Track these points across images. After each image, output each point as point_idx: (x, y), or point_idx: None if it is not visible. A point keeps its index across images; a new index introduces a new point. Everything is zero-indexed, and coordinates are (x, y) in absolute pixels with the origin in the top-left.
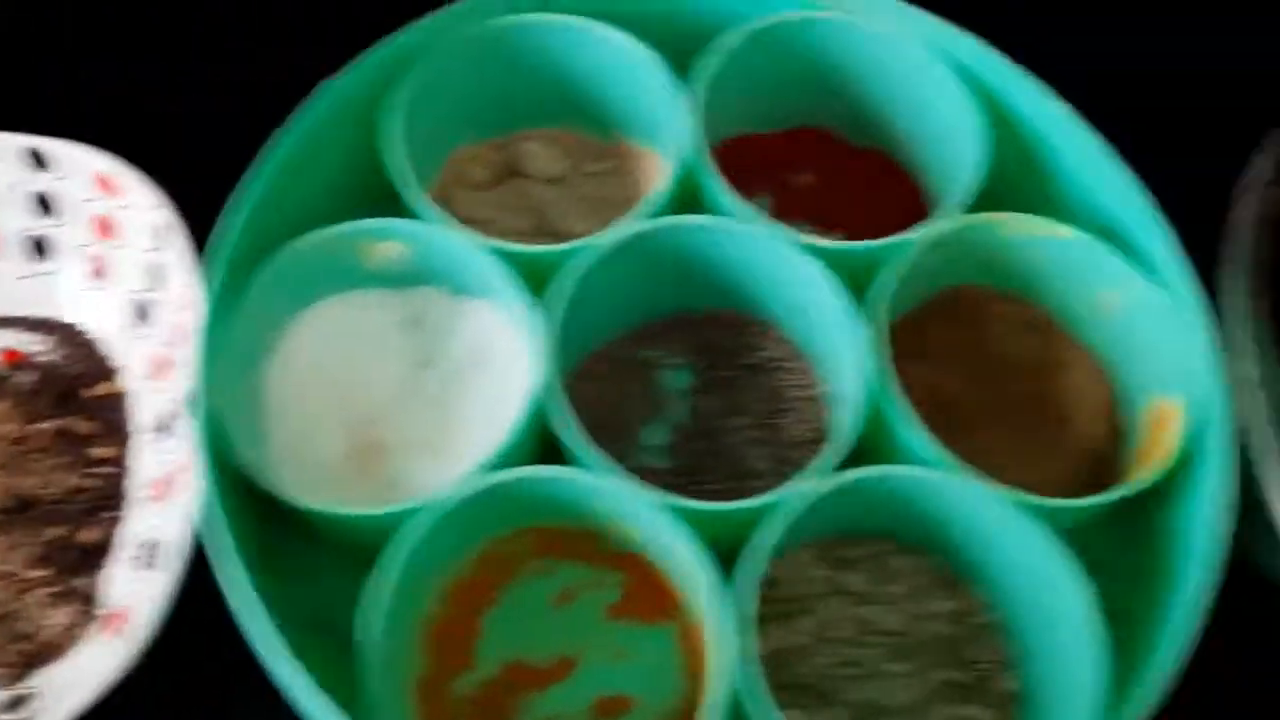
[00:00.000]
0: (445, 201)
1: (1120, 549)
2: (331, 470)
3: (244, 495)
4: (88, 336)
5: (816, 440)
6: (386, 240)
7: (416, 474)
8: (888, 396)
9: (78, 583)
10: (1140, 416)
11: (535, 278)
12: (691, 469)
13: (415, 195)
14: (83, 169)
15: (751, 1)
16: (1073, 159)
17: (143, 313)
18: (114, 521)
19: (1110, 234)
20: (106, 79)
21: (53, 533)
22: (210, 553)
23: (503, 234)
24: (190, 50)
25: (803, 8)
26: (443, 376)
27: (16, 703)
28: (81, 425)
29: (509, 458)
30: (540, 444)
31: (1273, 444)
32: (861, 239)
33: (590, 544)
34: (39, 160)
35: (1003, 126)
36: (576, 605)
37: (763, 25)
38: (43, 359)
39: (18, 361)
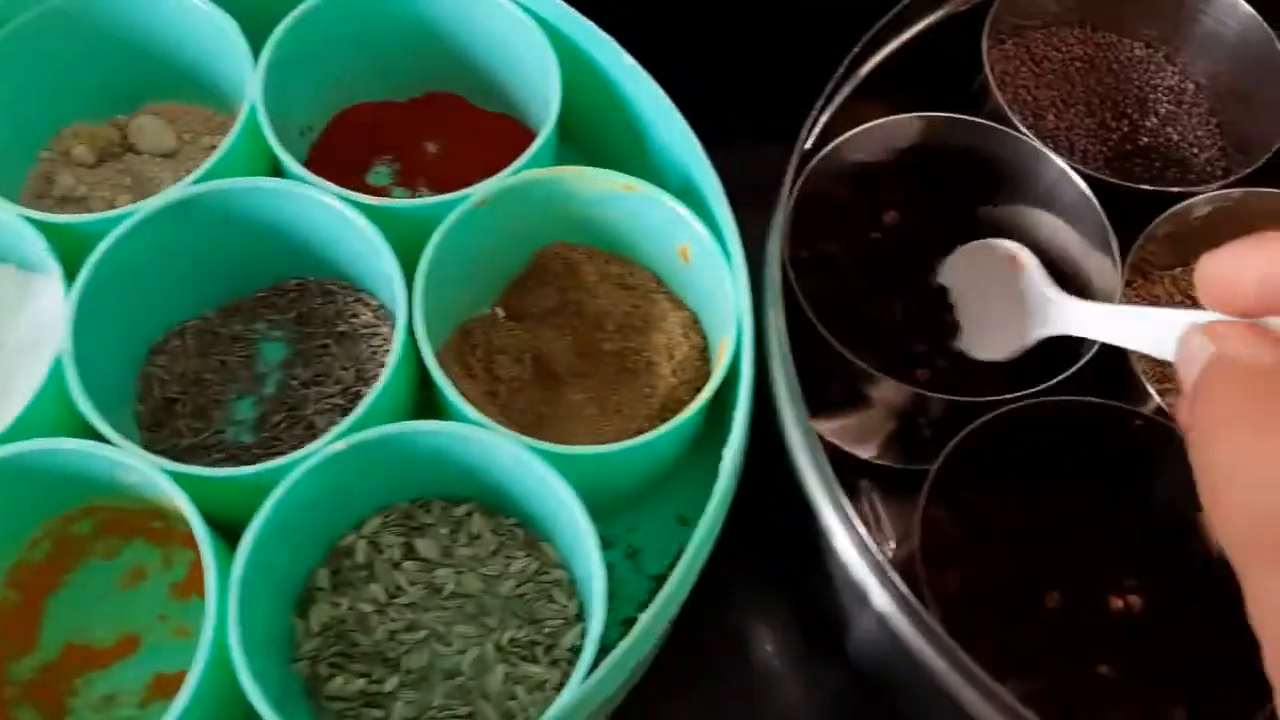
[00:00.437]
0: (46, 180)
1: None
2: None
3: None
4: None
5: None
6: None
7: None
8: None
9: None
10: (713, 363)
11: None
12: (271, 442)
13: None
14: None
15: None
16: (649, 117)
17: None
18: None
19: (684, 190)
20: None
21: None
22: None
23: (102, 209)
24: None
25: None
26: (9, 354)
27: None
28: None
29: (28, 430)
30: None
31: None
32: None
33: (159, 522)
34: None
35: (585, 84)
36: (144, 585)
37: None
38: None
39: None
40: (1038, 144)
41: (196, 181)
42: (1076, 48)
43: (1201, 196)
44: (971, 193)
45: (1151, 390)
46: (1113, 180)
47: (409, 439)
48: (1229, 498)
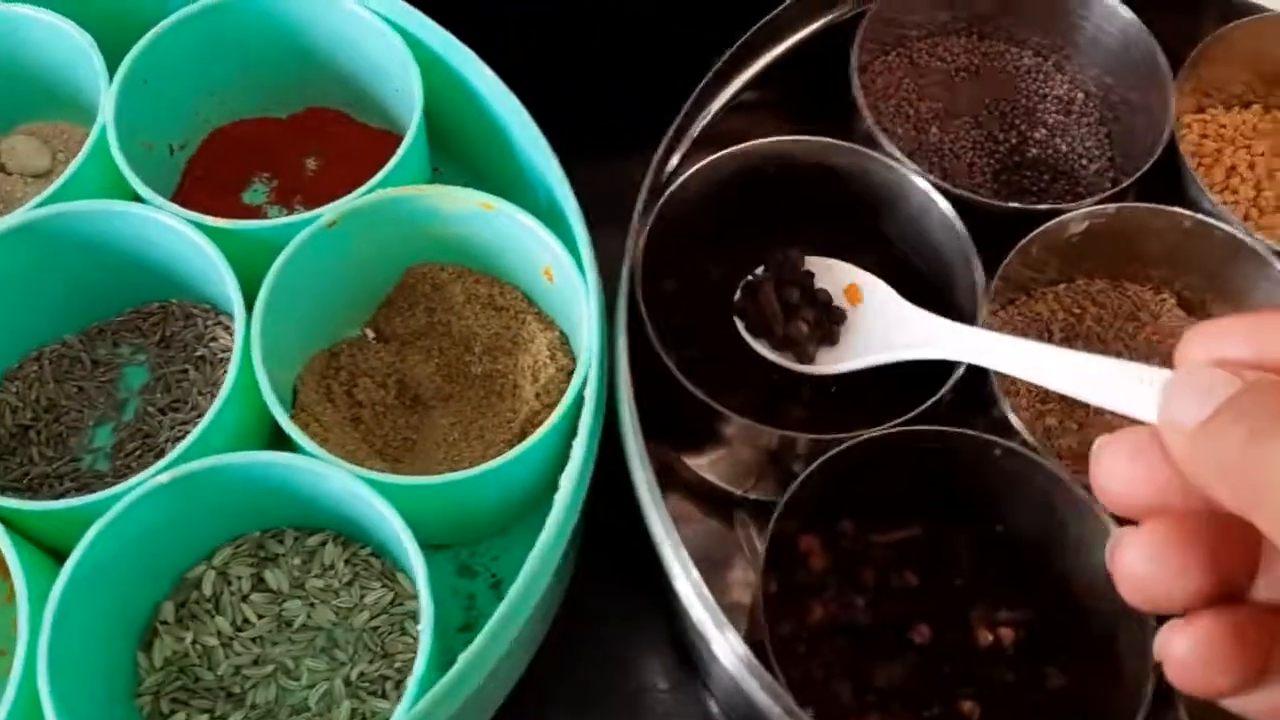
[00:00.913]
0: None
1: None
2: None
3: None
4: None
5: None
6: None
7: None
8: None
9: None
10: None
11: None
12: (125, 470)
13: None
14: None
15: None
16: (514, 134)
17: None
18: None
19: (549, 208)
20: None
21: None
22: None
23: None
24: None
25: None
26: None
27: None
28: None
29: None
30: None
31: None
32: None
33: None
34: None
35: (455, 99)
36: None
37: (194, 10)
38: None
39: None
40: (903, 164)
41: (43, 204)
42: (962, 57)
43: (1078, 212)
44: (839, 216)
45: (1011, 417)
46: (981, 200)
47: (240, 470)
48: None
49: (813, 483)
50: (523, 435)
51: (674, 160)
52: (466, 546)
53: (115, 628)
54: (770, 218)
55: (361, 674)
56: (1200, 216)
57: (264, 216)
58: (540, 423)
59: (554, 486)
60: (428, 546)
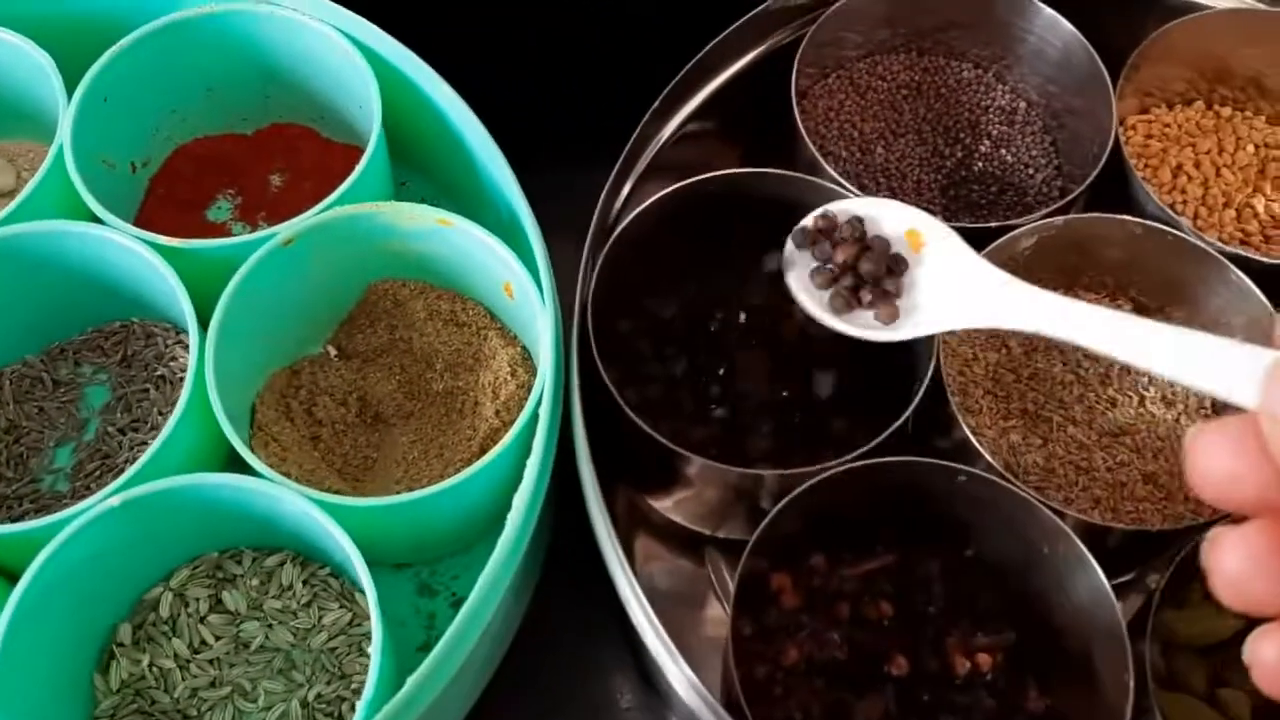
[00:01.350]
0: None
1: None
2: None
3: None
4: None
5: None
6: None
7: None
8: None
9: None
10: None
11: None
12: (84, 491)
13: None
14: None
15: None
16: (474, 149)
17: None
18: None
19: (510, 224)
20: None
21: None
22: None
23: None
24: None
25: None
26: None
27: None
28: None
29: None
30: None
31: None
32: None
33: None
34: None
35: (418, 115)
36: None
37: (159, 25)
38: None
39: None
40: (846, 190)
41: (1, 224)
42: (902, 75)
43: (1026, 227)
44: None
45: (973, 439)
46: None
47: (194, 492)
48: None
49: (780, 521)
50: (483, 453)
51: (623, 193)
52: (427, 565)
53: (70, 650)
54: (721, 250)
55: (319, 695)
56: (1148, 222)
57: (228, 234)
58: (500, 440)
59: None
60: (388, 565)
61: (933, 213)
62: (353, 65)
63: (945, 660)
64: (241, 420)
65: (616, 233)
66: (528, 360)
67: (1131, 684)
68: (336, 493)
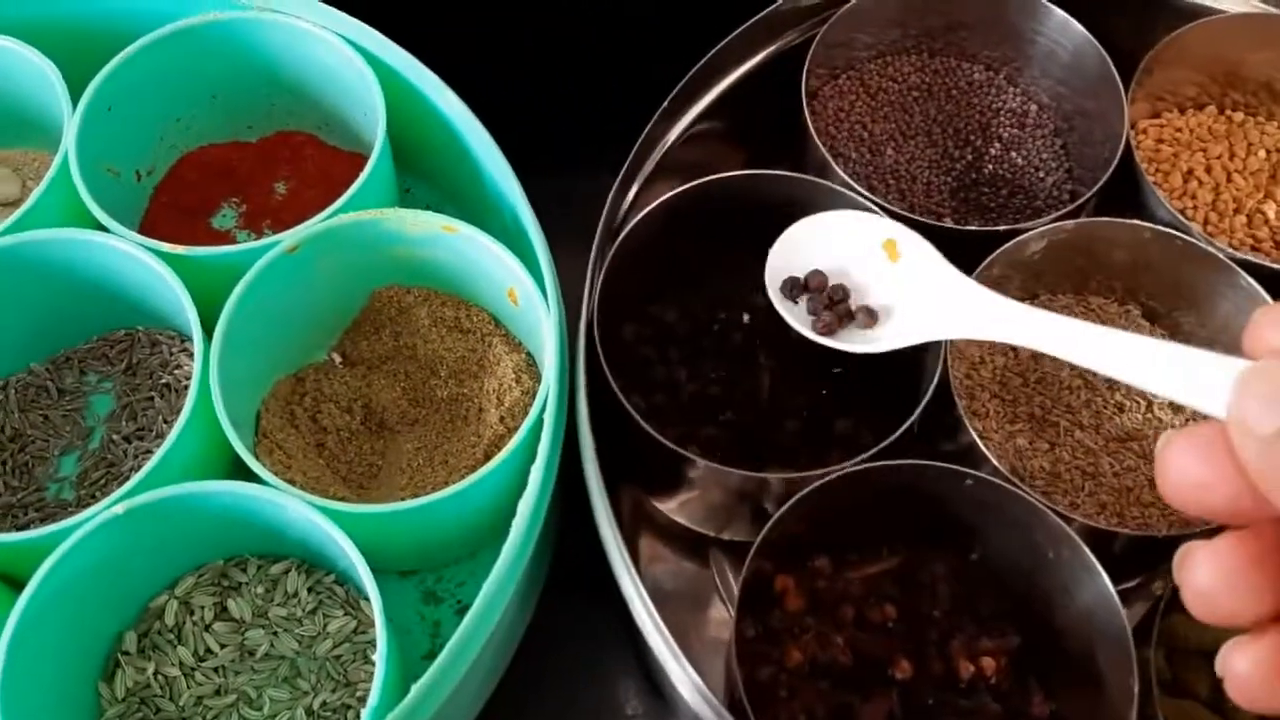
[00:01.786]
0: None
1: None
2: None
3: None
4: None
5: None
6: None
7: None
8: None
9: None
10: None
11: None
12: (89, 499)
13: None
14: None
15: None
16: (479, 156)
17: None
18: None
19: (515, 230)
20: None
21: None
22: None
23: None
24: None
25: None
26: None
27: None
28: None
29: None
30: None
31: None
32: None
33: None
34: None
35: (424, 123)
36: None
37: (180, 28)
38: None
39: None
40: (856, 191)
41: (5, 232)
42: (913, 76)
43: (1036, 231)
44: None
45: (980, 443)
46: (939, 224)
47: (198, 500)
48: None
49: (785, 523)
50: (487, 459)
51: (630, 195)
52: (432, 573)
53: (76, 658)
54: (728, 253)
55: (324, 703)
56: (1158, 227)
57: (233, 241)
58: (505, 447)
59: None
60: (393, 573)
61: (942, 215)
62: (357, 72)
63: (949, 664)
64: (246, 428)
65: (623, 235)
66: (532, 366)
67: (1136, 689)
68: (341, 500)
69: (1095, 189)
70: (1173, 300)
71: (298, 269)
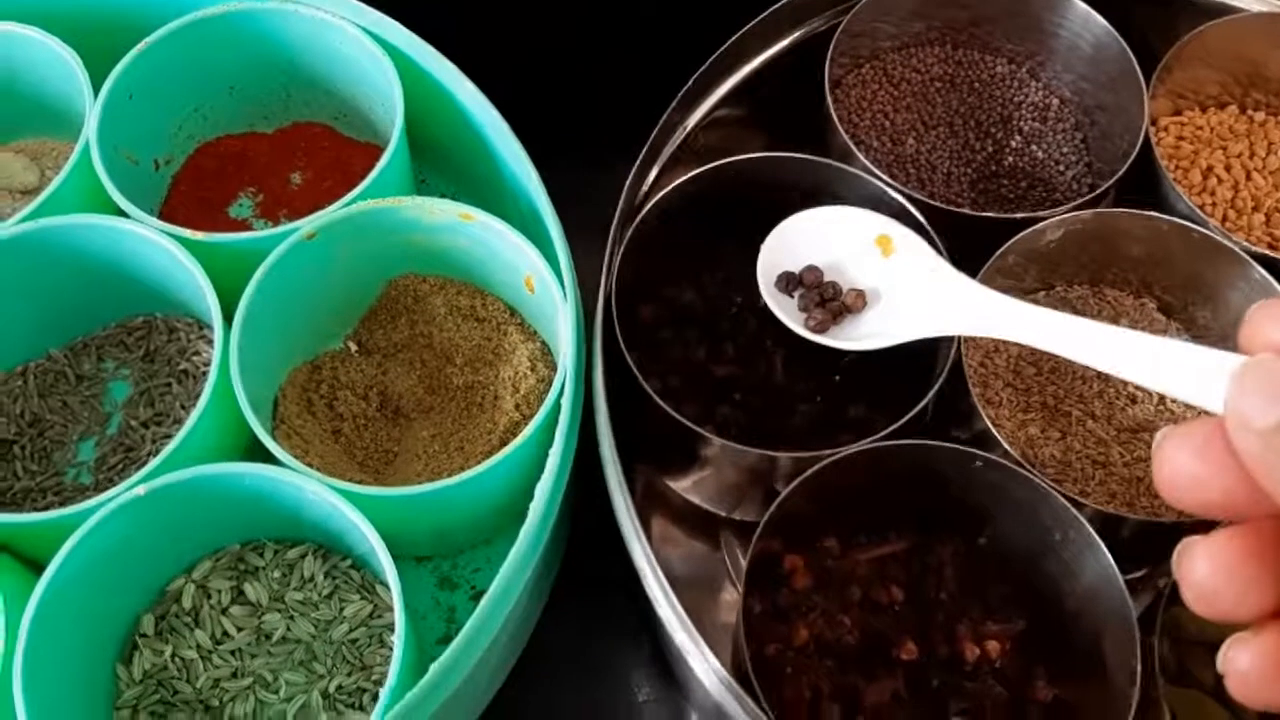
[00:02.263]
0: None
1: None
2: None
3: None
4: None
5: None
6: None
7: None
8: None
9: None
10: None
11: None
12: (107, 484)
13: None
14: None
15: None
16: (495, 145)
17: None
18: None
19: (531, 218)
20: None
21: None
22: None
23: None
24: None
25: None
26: None
27: None
28: None
29: None
30: None
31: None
32: None
33: None
34: None
35: (439, 112)
36: None
37: (197, 18)
38: None
39: None
40: (878, 177)
41: (26, 219)
42: (936, 67)
43: (1053, 219)
44: None
45: (993, 429)
46: (957, 210)
47: (218, 482)
48: None
49: (793, 501)
50: (503, 446)
51: (649, 179)
52: (448, 558)
53: (94, 640)
54: (747, 235)
55: (340, 686)
56: (1177, 220)
57: (250, 231)
58: (520, 433)
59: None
60: (409, 558)
61: (961, 205)
62: (375, 63)
63: (955, 646)
64: (264, 414)
65: (642, 215)
66: (547, 355)
67: (1139, 670)
68: (359, 484)
69: (1113, 180)
70: (1189, 293)
71: (316, 256)
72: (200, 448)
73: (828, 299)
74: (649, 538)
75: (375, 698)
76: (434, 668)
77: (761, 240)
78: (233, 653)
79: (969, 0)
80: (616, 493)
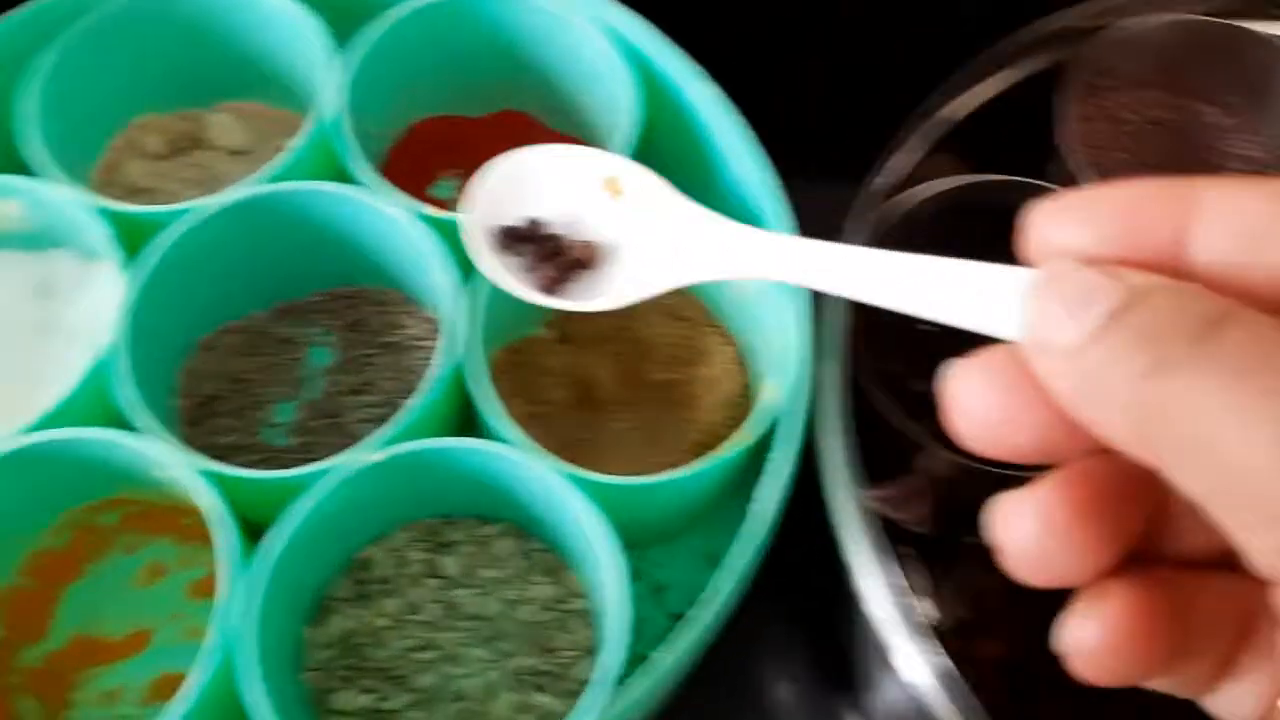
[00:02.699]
0: (114, 169)
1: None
2: None
3: None
4: None
5: None
6: (4, 198)
7: None
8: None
9: None
10: (759, 400)
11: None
12: (308, 446)
13: (38, 153)
14: None
15: None
16: (726, 148)
17: None
18: None
19: (754, 223)
20: None
21: None
22: None
23: (168, 202)
24: None
25: None
26: (61, 340)
27: None
28: None
29: (68, 418)
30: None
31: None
32: None
33: (187, 519)
34: None
35: (661, 106)
36: (162, 582)
37: (419, 5)
38: None
39: None
40: None
41: (264, 182)
42: (1154, 111)
43: None
44: None
45: None
46: None
47: (445, 455)
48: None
49: None
50: (702, 447)
51: (886, 186)
52: (630, 551)
53: (294, 600)
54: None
55: (524, 667)
56: None
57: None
58: (720, 435)
59: (725, 501)
60: None
61: None
62: (608, 61)
63: None
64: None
65: (886, 226)
66: (746, 362)
67: None
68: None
69: None
70: None
71: None
72: (427, 420)
73: (554, 253)
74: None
75: (558, 679)
76: (660, 661)
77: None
78: (422, 625)
79: (1197, 49)
80: (838, 503)
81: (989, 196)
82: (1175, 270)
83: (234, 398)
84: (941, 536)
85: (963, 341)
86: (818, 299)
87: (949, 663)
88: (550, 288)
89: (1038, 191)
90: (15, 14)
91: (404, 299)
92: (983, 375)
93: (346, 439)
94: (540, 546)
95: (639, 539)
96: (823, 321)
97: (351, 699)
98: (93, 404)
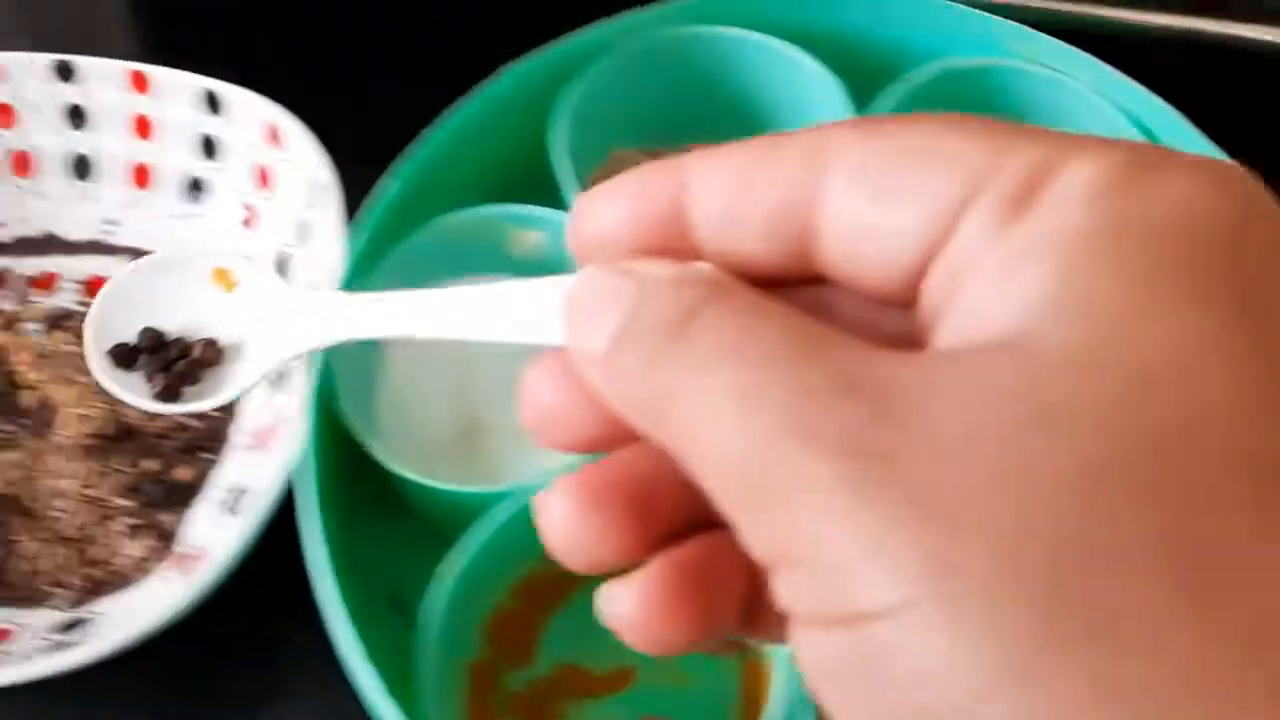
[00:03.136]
0: None
1: None
2: (434, 447)
3: (343, 459)
4: None
5: None
6: (529, 228)
7: (521, 463)
8: None
9: (162, 517)
10: None
11: None
12: None
13: (571, 188)
14: (254, 117)
15: (938, 41)
16: None
17: (282, 266)
18: (209, 463)
19: None
20: (295, 39)
21: (147, 465)
22: (298, 506)
23: None
24: (380, 26)
25: (989, 54)
26: None
27: (72, 625)
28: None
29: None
30: None
31: None
32: None
33: None
34: (213, 103)
35: None
36: None
37: (950, 66)
38: None
39: None
40: None
41: None
42: None
43: None
44: None
45: None
46: None
47: None
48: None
49: None
50: None
51: None
52: None
53: None
54: None
55: None
56: None
57: None
58: None
59: None
60: None
61: None
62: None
63: None
64: None
65: None
66: None
67: None
68: None
69: None
70: None
71: None
72: None
73: (175, 359)
74: None
75: None
76: None
77: None
78: None
79: None
80: None
81: None
82: (696, 250)
83: None
84: None
85: None
86: None
87: None
88: (171, 395)
89: None
90: (539, 54)
91: None
92: (549, 374)
93: None
94: None
95: None
96: None
97: None
98: None
